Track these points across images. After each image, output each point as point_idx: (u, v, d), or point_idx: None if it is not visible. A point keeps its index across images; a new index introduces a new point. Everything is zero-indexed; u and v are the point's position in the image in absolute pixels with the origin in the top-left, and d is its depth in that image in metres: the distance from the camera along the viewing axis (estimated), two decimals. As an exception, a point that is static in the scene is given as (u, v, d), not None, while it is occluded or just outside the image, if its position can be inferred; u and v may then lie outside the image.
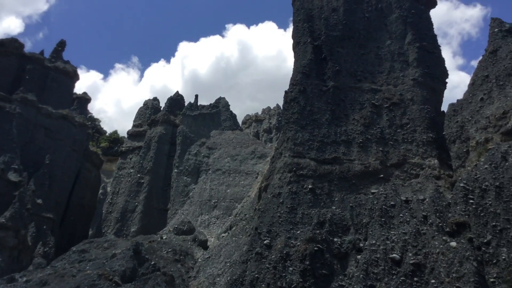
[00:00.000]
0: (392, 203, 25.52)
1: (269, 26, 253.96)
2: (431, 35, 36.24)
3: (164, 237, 41.83)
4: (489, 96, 26.35)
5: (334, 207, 26.42)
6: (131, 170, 58.66)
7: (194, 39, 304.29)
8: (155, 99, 72.21)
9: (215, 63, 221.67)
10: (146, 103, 71.02)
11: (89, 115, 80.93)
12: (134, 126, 66.89)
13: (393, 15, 36.35)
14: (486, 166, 21.95)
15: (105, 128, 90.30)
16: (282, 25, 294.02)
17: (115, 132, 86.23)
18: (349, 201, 26.73)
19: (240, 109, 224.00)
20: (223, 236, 39.02)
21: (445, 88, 34.32)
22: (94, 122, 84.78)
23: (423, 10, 37.96)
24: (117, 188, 58.07)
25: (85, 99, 71.13)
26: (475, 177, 22.02)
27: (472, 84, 28.57)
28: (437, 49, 35.60)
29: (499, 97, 25.51)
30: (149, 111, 68.13)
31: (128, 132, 66.21)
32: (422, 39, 34.85)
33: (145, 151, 57.93)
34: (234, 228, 37.62)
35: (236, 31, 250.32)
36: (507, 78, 25.64)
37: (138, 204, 53.38)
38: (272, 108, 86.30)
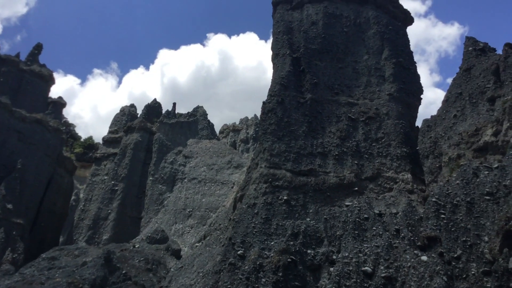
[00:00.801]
0: (365, 216, 25.73)
1: (250, 37, 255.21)
2: (408, 52, 36.99)
3: (136, 246, 41.27)
4: (462, 113, 26.94)
5: (308, 219, 26.50)
6: (105, 177, 57.85)
7: (175, 46, 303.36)
8: (132, 105, 71.65)
9: (195, 71, 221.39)
10: (122, 110, 70.37)
11: (64, 120, 79.67)
12: (109, 132, 66.13)
13: (371, 31, 36.96)
14: (457, 181, 22.35)
15: (80, 134, 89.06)
16: (264, 37, 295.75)
17: (90, 138, 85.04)
18: (323, 213, 26.84)
19: (219, 118, 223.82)
20: (196, 246, 38.69)
21: (419, 103, 34.99)
22: (68, 127, 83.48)
23: (400, 26, 38.77)
24: (90, 195, 57.16)
25: (60, 103, 69.95)
26: (447, 192, 22.40)
27: (446, 101, 29.19)
28: (413, 65, 36.33)
29: (471, 114, 26.10)
30: (126, 118, 67.51)
31: (103, 138, 65.39)
32: (399, 55, 35.50)
33: (120, 158, 57.26)
34: (208, 237, 37.35)
35: (217, 41, 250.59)
36: (480, 96, 26.27)
37: (111, 211, 52.61)
38: (249, 118, 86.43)
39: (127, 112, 69.04)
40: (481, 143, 24.06)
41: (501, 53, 27.34)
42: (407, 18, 40.21)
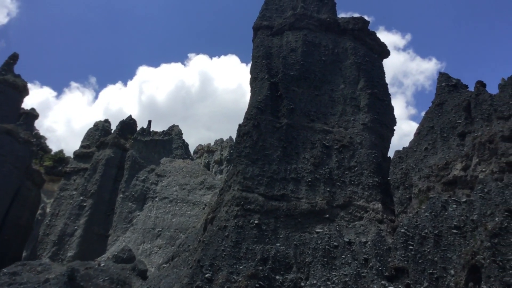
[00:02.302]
0: (335, 243, 25.79)
1: (231, 60, 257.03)
2: (383, 83, 37.80)
3: (102, 264, 40.23)
4: (433, 146, 27.51)
5: (278, 244, 26.39)
6: (74, 192, 56.62)
7: (155, 64, 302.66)
8: (106, 121, 70.83)
9: (174, 90, 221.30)
10: (96, 125, 69.45)
11: (35, 131, 78.09)
12: (81, 147, 65.01)
13: (348, 61, 37.70)
14: (426, 214, 22.69)
15: (51, 147, 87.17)
16: (245, 60, 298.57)
17: (61, 151, 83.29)
18: (293, 239, 26.80)
19: (195, 138, 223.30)
20: (164, 267, 37.98)
21: (392, 135, 35.65)
22: (39, 140, 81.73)
23: (376, 59, 39.69)
24: (57, 210, 55.74)
25: (32, 115, 68.74)
26: (415, 223, 22.68)
27: (418, 134, 29.79)
28: (387, 97, 37.10)
29: (442, 148, 26.67)
30: (99, 133, 66.60)
31: (74, 153, 64.19)
32: (374, 86, 36.24)
33: (91, 173, 56.25)
34: (176, 259, 36.73)
35: (198, 61, 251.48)
36: (451, 131, 26.91)
37: (77, 228, 51.35)
38: (224, 140, 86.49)
39: (101, 127, 68.17)
40: (450, 177, 24.55)
41: (473, 90, 28.17)
42: (383, 51, 41.20)
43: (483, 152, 23.36)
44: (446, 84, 30.08)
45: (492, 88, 28.27)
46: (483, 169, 22.78)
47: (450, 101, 28.70)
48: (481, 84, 27.49)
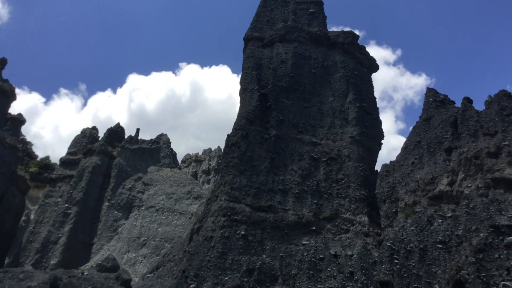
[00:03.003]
0: (321, 256, 25.75)
1: (223, 70, 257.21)
2: (371, 97, 38.10)
3: (85, 273, 39.66)
4: (420, 161, 27.72)
5: (264, 256, 26.29)
6: (59, 199, 56.03)
7: (145, 72, 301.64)
8: (94, 128, 70.39)
9: (164, 99, 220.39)
10: (84, 131, 68.95)
11: (22, 137, 77.30)
12: (68, 153, 64.47)
13: (337, 74, 37.97)
14: (412, 228, 22.78)
15: (38, 154, 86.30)
16: (236, 70, 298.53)
17: (47, 157, 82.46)
18: (279, 251, 26.72)
19: (185, 147, 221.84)
20: (148, 277, 37.59)
21: (380, 148, 35.86)
22: (25, 145, 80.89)
23: (366, 72, 40.04)
24: (42, 217, 55.11)
25: (19, 120, 68.14)
26: (401, 237, 22.75)
27: (405, 148, 30.02)
28: (375, 110, 37.38)
29: (429, 163, 26.88)
30: (86, 140, 66.12)
31: (60, 159, 63.62)
32: (362, 100, 36.50)
33: (77, 180, 55.71)
34: (161, 269, 36.38)
35: (190, 71, 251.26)
36: (438, 146, 27.15)
37: (61, 235, 50.73)
38: (213, 149, 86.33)
39: (88, 134, 67.70)
40: (436, 192, 24.72)
41: (459, 106, 28.50)
42: (372, 65, 41.60)
43: (469, 167, 23.59)
44: (434, 100, 30.41)
45: (479, 105, 28.66)
46: (469, 185, 22.98)
47: (437, 116, 28.99)
48: (468, 101, 27.83)
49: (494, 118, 24.28)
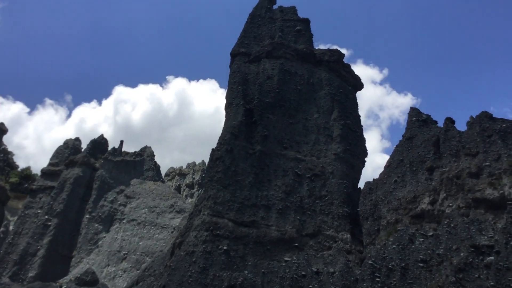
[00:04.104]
0: (303, 273, 25.68)
1: (210, 84, 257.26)
2: (355, 115, 38.46)
3: (63, 286, 39.04)
4: (402, 179, 27.94)
5: (246, 271, 26.12)
6: (39, 211, 55.13)
7: (132, 84, 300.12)
8: (77, 139, 69.67)
9: (151, 112, 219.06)
10: (66, 142, 68.21)
11: (3, 147, 76.16)
12: (50, 164, 63.61)
13: (323, 91, 38.29)
14: (394, 246, 22.88)
15: (19, 164, 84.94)
16: (224, 85, 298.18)
17: (28, 168, 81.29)
18: (262, 267, 26.57)
19: (170, 160, 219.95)
20: (128, 291, 37.04)
21: (363, 166, 36.11)
22: (6, 155, 79.70)
23: (350, 91, 40.46)
24: (21, 228, 54.09)
25: (1, 130, 67.17)
26: (383, 255, 22.82)
27: (388, 166, 30.25)
28: (359, 128, 37.71)
29: (411, 181, 27.11)
30: (69, 151, 65.39)
31: (42, 170, 62.73)
32: (347, 117, 36.82)
33: (58, 192, 54.94)
34: (141, 283, 35.89)
35: (177, 84, 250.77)
36: (420, 165, 27.42)
37: (40, 247, 49.85)
38: (197, 163, 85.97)
39: (71, 145, 66.99)
40: (418, 210, 24.90)
41: (442, 126, 28.88)
42: (357, 83, 42.07)
43: (451, 187, 23.84)
44: (417, 119, 30.78)
45: (462, 125, 29.09)
46: (450, 204, 23.21)
47: (420, 135, 29.32)
48: (450, 121, 28.22)
49: (475, 139, 24.64)
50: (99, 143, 64.67)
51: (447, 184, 24.13)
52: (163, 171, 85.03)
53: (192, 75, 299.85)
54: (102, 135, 66.77)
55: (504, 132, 23.79)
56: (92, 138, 64.74)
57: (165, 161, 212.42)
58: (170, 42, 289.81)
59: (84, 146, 67.10)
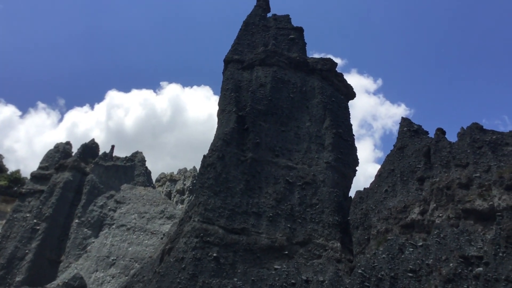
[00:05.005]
0: (293, 281, 25.63)
1: (204, 90, 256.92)
2: (347, 124, 38.62)
3: (50, 292, 38.62)
4: (393, 189, 28.05)
5: (235, 279, 26.02)
6: (28, 215, 54.60)
7: (125, 89, 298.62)
8: (68, 143, 69.18)
9: (144, 118, 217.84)
10: (57, 146, 67.71)
11: (-8, 149, 75.49)
12: (39, 168, 63.11)
13: (315, 100, 38.44)
14: (383, 255, 22.91)
15: (9, 167, 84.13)
16: (218, 92, 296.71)
17: (17, 171, 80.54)
18: (251, 275, 26.49)
19: (162, 165, 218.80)
20: (116, 297, 36.73)
21: (354, 175, 36.21)
22: (-4, 158, 79.01)
23: (343, 100, 40.66)
24: (9, 232, 53.48)
25: (-9, 132, 66.51)
26: (372, 265, 22.84)
27: (379, 176, 30.36)
28: (351, 137, 37.87)
29: (401, 191, 27.23)
30: (59, 155, 64.91)
31: (31, 174, 62.20)
32: (339, 126, 36.96)
33: (47, 196, 54.49)
34: (129, 289, 35.60)
35: (171, 90, 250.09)
36: (411, 175, 27.55)
37: (29, 252, 49.33)
38: (188, 169, 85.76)
39: (61, 149, 66.50)
40: (408, 220, 24.98)
41: (433, 136, 29.08)
42: (349, 93, 42.30)
43: (441, 197, 23.96)
44: (408, 129, 30.97)
45: (453, 136, 29.26)
46: (440, 214, 23.31)
47: (411, 146, 29.49)
48: (441, 132, 28.42)
49: (466, 150, 24.83)
50: (90, 147, 64.33)
51: (437, 194, 24.25)
52: (155, 176, 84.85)
53: (186, 82, 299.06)
54: (93, 140, 66.42)
55: (494, 143, 23.99)
56: (84, 142, 64.36)
57: (157, 167, 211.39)
58: (164, 47, 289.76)
59: (75, 150, 66.71)
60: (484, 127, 25.60)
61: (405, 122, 32.05)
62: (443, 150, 26.59)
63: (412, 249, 22.46)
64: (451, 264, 19.61)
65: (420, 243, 22.54)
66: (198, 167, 79.24)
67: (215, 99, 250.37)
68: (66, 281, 41.28)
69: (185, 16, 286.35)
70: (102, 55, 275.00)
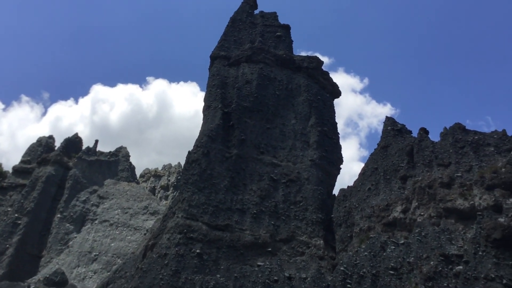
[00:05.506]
0: (275, 278, 25.70)
1: (191, 86, 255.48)
2: (332, 122, 38.77)
3: (31, 286, 38.22)
4: (376, 187, 28.27)
5: (218, 275, 26.00)
6: (9, 209, 53.88)
7: (111, 83, 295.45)
8: (51, 137, 68.37)
9: (130, 113, 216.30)
10: (39, 140, 66.86)
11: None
12: (21, 162, 62.28)
13: (301, 97, 38.51)
14: (365, 253, 23.10)
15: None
16: (205, 88, 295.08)
17: (-1, 164, 79.49)
18: (234, 271, 26.49)
19: (148, 161, 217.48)
20: (97, 293, 36.47)
21: (338, 173, 36.40)
22: (-23, 150, 77.73)
23: (328, 98, 40.79)
24: (-11, 226, 52.76)
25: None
26: (354, 262, 23.01)
27: (362, 174, 30.57)
28: (336, 135, 38.03)
29: (384, 189, 27.45)
30: (42, 149, 64.12)
31: (13, 168, 61.36)
32: (324, 124, 37.09)
33: (29, 190, 53.83)
34: (111, 285, 35.37)
35: (157, 85, 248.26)
36: (394, 174, 27.79)
37: (9, 246, 48.70)
38: (173, 165, 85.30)
39: (44, 143, 65.69)
40: (390, 218, 25.20)
41: (416, 136, 29.36)
42: (335, 91, 42.45)
43: (423, 196, 24.21)
44: (392, 128, 31.21)
45: (436, 136, 29.56)
46: (422, 213, 23.56)
47: (394, 145, 29.73)
48: (424, 131, 28.70)
49: (448, 150, 25.12)
50: (73, 141, 63.64)
51: (419, 193, 24.50)
52: (140, 172, 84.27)
53: (173, 77, 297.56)
54: (76, 134, 65.73)
55: (476, 144, 24.31)
56: (67, 137, 63.62)
57: (142, 162, 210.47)
58: (151, 42, 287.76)
59: (58, 144, 65.95)
60: (467, 128, 25.93)
61: (389, 121, 32.30)
62: (426, 149, 26.86)
63: (393, 247, 22.68)
64: (431, 262, 19.84)
65: (402, 241, 22.77)
66: (183, 163, 78.85)
67: (202, 95, 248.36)
68: (47, 276, 40.89)
69: (173, 11, 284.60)
70: (87, 48, 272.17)
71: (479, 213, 20.06)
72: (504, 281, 16.87)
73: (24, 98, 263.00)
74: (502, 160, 22.67)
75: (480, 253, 18.38)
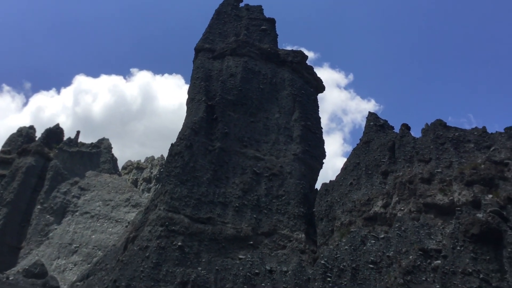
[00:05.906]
0: (256, 271, 25.81)
1: (176, 79, 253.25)
2: (316, 117, 38.92)
3: (10, 278, 37.77)
4: (358, 182, 28.51)
5: (200, 268, 26.02)
6: (-12, 199, 53.07)
7: (94, 74, 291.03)
8: (31, 127, 67.31)
9: (113, 104, 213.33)
10: (20, 130, 65.79)
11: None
12: (1, 152, 61.27)
13: (285, 91, 38.56)
14: (346, 247, 23.32)
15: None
16: (189, 81, 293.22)
17: (-22, 154, 78.11)
18: (215, 264, 26.53)
19: (131, 153, 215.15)
20: (77, 285, 36.21)
21: (321, 167, 36.61)
22: (-45, 140, 76.30)
23: (312, 92, 40.92)
24: (-33, 217, 51.89)
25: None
26: (335, 256, 23.22)
27: (344, 169, 30.79)
28: (319, 130, 38.20)
29: (366, 184, 27.70)
30: (22, 139, 63.13)
31: (-7, 157, 60.37)
32: (308, 119, 37.22)
33: (9, 180, 53.02)
34: (91, 277, 35.16)
35: (141, 77, 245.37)
36: (375, 169, 28.05)
37: (-13, 237, 48.02)
38: (156, 158, 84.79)
39: (25, 134, 64.67)
40: (371, 213, 25.46)
41: (398, 132, 29.65)
42: (319, 86, 42.59)
43: (403, 191, 24.51)
44: (374, 124, 31.46)
45: (419, 132, 29.82)
46: (402, 208, 23.85)
47: (376, 140, 29.98)
48: (406, 127, 28.99)
49: (429, 146, 25.42)
50: (54, 132, 62.81)
51: (400, 188, 24.78)
52: (123, 164, 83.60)
53: (158, 69, 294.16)
54: (57, 124, 64.86)
55: (457, 140, 24.65)
56: (48, 127, 62.73)
57: (125, 154, 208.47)
58: (136, 33, 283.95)
59: (39, 135, 64.99)
60: (448, 124, 26.26)
61: (371, 116, 32.54)
62: (407, 145, 27.15)
63: (374, 241, 22.93)
64: (410, 257, 20.12)
65: (382, 236, 23.03)
66: (166, 155, 78.38)
67: (187, 88, 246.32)
68: (27, 267, 40.42)
69: (158, 1, 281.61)
70: (70, 38, 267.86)
71: (458, 208, 20.36)
72: (481, 276, 17.18)
73: (5, 87, 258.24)
74: (481, 157, 23.04)
75: (458, 248, 18.68)
